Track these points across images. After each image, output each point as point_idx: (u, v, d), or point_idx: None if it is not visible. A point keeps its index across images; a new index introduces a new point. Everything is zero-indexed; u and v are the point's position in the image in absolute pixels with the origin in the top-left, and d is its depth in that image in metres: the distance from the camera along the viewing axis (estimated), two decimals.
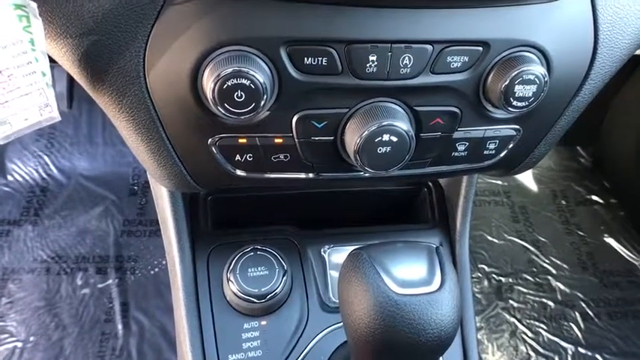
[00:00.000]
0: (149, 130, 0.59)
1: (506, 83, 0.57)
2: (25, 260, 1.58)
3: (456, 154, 0.67)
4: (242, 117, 0.53)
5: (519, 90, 0.57)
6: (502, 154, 0.69)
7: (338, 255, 0.90)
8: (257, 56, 0.52)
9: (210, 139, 0.59)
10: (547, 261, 1.78)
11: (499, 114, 0.63)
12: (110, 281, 1.57)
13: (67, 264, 1.59)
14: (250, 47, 0.52)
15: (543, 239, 1.84)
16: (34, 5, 0.47)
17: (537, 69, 0.57)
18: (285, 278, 0.81)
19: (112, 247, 1.64)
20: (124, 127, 0.61)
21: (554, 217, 1.92)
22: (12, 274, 1.55)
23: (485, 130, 0.65)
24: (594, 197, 2.00)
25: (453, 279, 0.56)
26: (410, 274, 0.56)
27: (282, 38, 0.52)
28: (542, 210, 1.93)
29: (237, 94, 0.51)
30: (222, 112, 0.52)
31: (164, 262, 1.60)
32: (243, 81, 0.50)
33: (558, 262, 1.78)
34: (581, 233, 1.88)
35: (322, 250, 0.90)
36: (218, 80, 0.50)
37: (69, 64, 0.54)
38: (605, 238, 1.88)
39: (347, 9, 0.53)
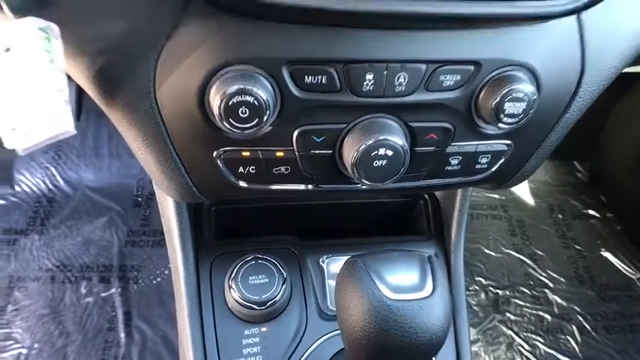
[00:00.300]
0: (158, 143, 0.62)
1: (496, 101, 0.59)
2: (30, 269, 1.61)
3: (450, 167, 0.69)
4: (246, 132, 0.56)
5: (509, 107, 0.60)
6: (494, 168, 0.71)
7: (336, 265, 0.92)
8: (260, 75, 0.55)
9: (215, 152, 0.62)
10: (544, 274, 1.80)
11: (490, 130, 0.65)
12: (113, 290, 1.59)
13: (72, 273, 1.62)
14: (254, 66, 0.55)
15: (540, 253, 1.86)
16: (56, 28, 0.50)
17: (526, 87, 0.59)
18: (284, 286, 0.84)
19: (115, 256, 1.67)
20: (133, 140, 0.64)
21: (551, 230, 1.94)
22: (18, 282, 1.58)
23: (478, 145, 0.67)
24: (591, 211, 2.02)
25: (445, 285, 0.59)
26: (403, 280, 0.58)
27: (285, 58, 0.55)
28: (539, 224, 1.96)
29: (242, 111, 0.54)
30: (228, 127, 0.55)
31: (167, 272, 1.63)
32: (248, 98, 0.53)
33: (555, 275, 1.80)
34: (578, 247, 1.90)
35: (321, 259, 0.92)
36: (224, 97, 0.53)
37: (84, 81, 0.57)
38: (602, 252, 1.90)
39: (345, 30, 0.55)
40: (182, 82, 0.55)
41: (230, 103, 0.53)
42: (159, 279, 1.62)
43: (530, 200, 2.04)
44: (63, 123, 0.55)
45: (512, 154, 0.70)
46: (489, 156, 0.69)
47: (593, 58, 0.65)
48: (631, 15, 0.66)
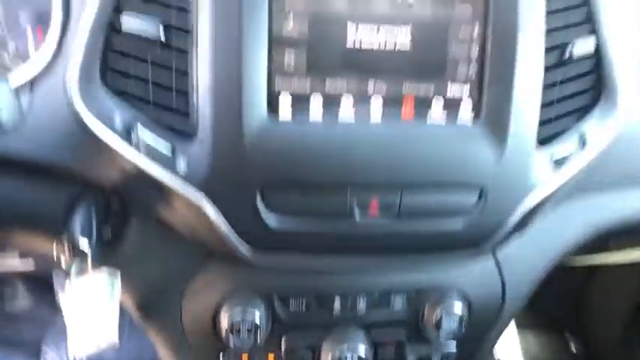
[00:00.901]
0: (179, 349, 0.82)
1: (437, 317, 0.78)
2: None
3: None
4: (245, 345, 0.75)
5: (446, 322, 0.78)
6: None
7: None
8: (257, 302, 0.75)
9: (221, 358, 0.80)
10: None
11: (435, 337, 0.82)
12: None
13: None
14: (253, 298, 0.75)
15: None
16: (119, 275, 0.73)
17: (459, 307, 0.78)
18: None
19: None
20: (160, 344, 0.83)
21: None
22: None
23: (428, 350, 0.84)
24: None
25: None
26: None
27: (275, 290, 0.76)
28: None
29: (243, 332, 0.73)
30: (232, 342, 0.74)
31: None
32: (248, 323, 0.73)
33: None
34: None
35: None
36: (230, 324, 0.73)
37: (132, 308, 0.79)
38: None
39: (317, 273, 0.77)
40: (200, 310, 0.76)
41: (234, 327, 0.73)
42: None
43: None
44: (112, 339, 0.75)
45: (460, 354, 0.86)
46: (440, 356, 0.86)
47: (512, 281, 0.83)
48: (542, 246, 0.85)
